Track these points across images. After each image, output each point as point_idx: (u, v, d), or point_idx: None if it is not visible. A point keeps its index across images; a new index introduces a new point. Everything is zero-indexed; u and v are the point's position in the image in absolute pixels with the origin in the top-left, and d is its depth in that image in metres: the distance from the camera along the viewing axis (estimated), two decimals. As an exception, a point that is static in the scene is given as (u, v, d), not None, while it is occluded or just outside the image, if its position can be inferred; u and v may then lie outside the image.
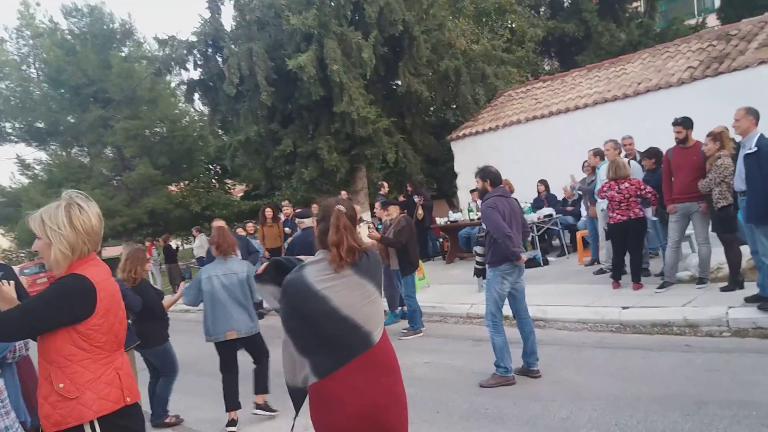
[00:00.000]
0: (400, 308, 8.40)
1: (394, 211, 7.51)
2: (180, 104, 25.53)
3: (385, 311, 2.60)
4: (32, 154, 36.74)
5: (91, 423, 2.35)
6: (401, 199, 13.63)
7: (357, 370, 2.47)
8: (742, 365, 4.84)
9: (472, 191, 12.47)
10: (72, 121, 24.32)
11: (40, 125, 24.70)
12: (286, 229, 11.97)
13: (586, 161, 9.52)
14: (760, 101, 6.84)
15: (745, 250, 6.49)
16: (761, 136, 5.78)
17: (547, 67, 22.07)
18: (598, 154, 8.91)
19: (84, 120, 23.12)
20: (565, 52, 21.29)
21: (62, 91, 23.66)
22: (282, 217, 12.72)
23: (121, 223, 22.54)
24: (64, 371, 2.31)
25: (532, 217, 10.81)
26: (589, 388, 4.92)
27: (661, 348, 5.61)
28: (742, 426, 3.80)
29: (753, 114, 5.82)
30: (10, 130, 25.00)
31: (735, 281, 6.61)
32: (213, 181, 27.24)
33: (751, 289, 6.06)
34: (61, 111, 23.87)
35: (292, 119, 15.38)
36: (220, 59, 15.29)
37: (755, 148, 5.69)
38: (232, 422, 5.26)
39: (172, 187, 25.74)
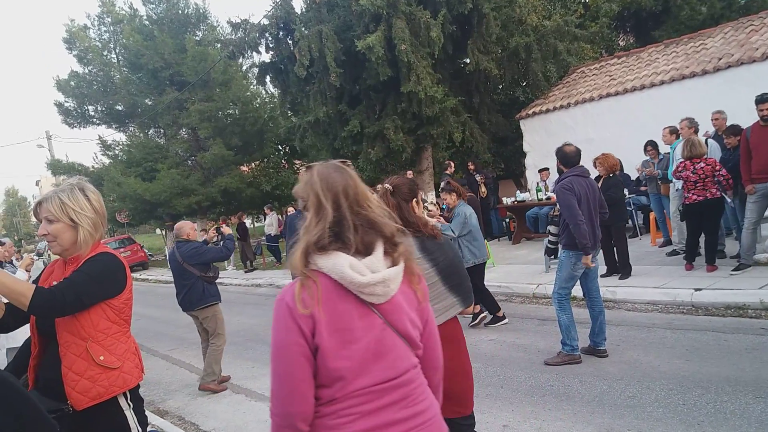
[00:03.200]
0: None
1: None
2: (252, 87, 26.21)
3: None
4: (113, 135, 38.70)
5: (124, 393, 2.48)
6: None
7: None
8: (822, 350, 4.67)
9: (540, 170, 12.32)
10: (149, 103, 25.44)
11: (120, 108, 25.98)
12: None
13: (648, 144, 9.28)
14: None
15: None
16: None
17: (622, 43, 21.26)
18: (674, 132, 8.62)
19: (161, 102, 24.11)
20: (642, 27, 20.43)
21: (140, 74, 24.73)
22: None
23: (195, 201, 23.52)
24: (102, 344, 2.41)
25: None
26: (657, 368, 4.87)
27: (734, 331, 5.46)
28: (819, 411, 3.70)
29: None
30: (92, 113, 26.43)
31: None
32: (282, 161, 27.87)
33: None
34: (139, 94, 24.99)
35: (359, 100, 15.55)
36: (290, 42, 15.58)
37: None
38: None
39: (244, 167, 26.54)
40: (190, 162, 25.98)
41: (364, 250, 1.66)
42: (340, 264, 1.60)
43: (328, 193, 1.68)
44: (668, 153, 8.85)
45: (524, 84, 17.33)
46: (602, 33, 18.63)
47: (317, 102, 15.65)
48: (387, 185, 2.74)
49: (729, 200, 7.42)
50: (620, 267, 7.90)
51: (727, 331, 5.48)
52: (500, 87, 17.69)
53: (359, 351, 1.60)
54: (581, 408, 4.36)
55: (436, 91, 13.71)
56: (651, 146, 9.56)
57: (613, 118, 12.71)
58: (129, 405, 2.50)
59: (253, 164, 27.14)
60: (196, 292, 6.13)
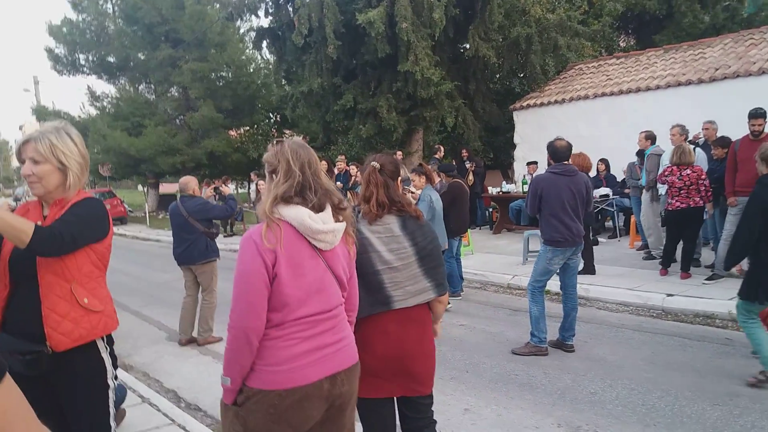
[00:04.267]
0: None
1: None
2: (247, 51, 25.86)
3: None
4: (102, 86, 38.05)
5: (102, 337, 2.49)
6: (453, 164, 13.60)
7: (389, 318, 2.60)
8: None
9: (529, 163, 12.33)
10: (142, 58, 25.00)
11: (112, 60, 25.51)
12: (338, 183, 12.14)
13: (638, 153, 9.37)
14: None
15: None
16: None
17: (622, 44, 21.26)
18: (650, 137, 8.71)
19: (154, 58, 23.72)
20: (643, 29, 20.43)
21: (135, 28, 24.27)
22: (335, 171, 12.89)
23: (180, 161, 23.28)
24: (86, 287, 2.42)
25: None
26: (621, 367, 4.93)
27: (700, 338, 5.54)
28: (774, 422, 3.77)
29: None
30: (83, 62, 25.92)
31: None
32: (272, 129, 27.65)
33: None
34: (132, 47, 24.54)
35: (355, 75, 15.42)
36: (291, 9, 15.37)
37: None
38: None
39: (232, 132, 26.29)
40: (178, 121, 25.69)
41: (318, 208, 2.12)
42: (301, 214, 2.06)
43: (296, 161, 2.12)
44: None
45: (521, 75, 17.31)
46: (604, 32, 18.59)
47: (312, 72, 15.50)
48: (375, 163, 2.71)
49: (706, 211, 7.50)
50: (584, 266, 7.93)
51: (694, 338, 5.56)
52: (497, 76, 17.63)
53: (306, 284, 2.06)
54: (543, 399, 4.40)
55: (433, 73, 13.64)
56: (602, 163, 9.78)
57: (605, 118, 12.74)
58: (106, 348, 2.50)
59: (242, 129, 26.88)
60: (199, 247, 6.17)
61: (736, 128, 7.40)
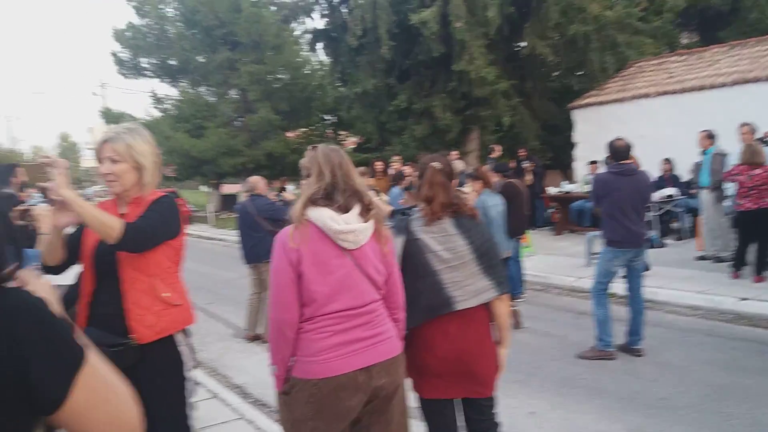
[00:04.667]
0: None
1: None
2: (302, 53, 26.20)
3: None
4: (164, 89, 39.30)
5: (182, 330, 2.60)
6: (511, 164, 13.44)
7: (449, 319, 2.62)
8: None
9: (590, 163, 12.07)
10: (202, 60, 25.63)
11: (173, 63, 26.24)
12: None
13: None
14: None
15: None
16: None
17: (685, 41, 20.55)
18: (711, 136, 8.43)
19: (213, 60, 24.30)
20: (707, 25, 19.69)
21: (195, 31, 24.90)
22: (392, 172, 12.94)
23: (241, 162, 23.79)
24: (165, 282, 2.51)
25: (652, 198, 10.37)
26: (693, 373, 4.80)
27: (777, 345, 5.33)
28: None
29: None
30: (146, 65, 26.78)
31: None
32: (327, 130, 27.93)
33: None
34: (192, 50, 25.19)
35: (409, 75, 15.44)
36: (345, 10, 15.51)
37: None
38: None
39: (289, 133, 26.69)
40: (237, 123, 26.25)
41: (345, 209, 2.24)
42: (323, 215, 2.20)
43: (327, 164, 2.29)
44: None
45: (580, 74, 16.93)
46: (665, 29, 18.01)
47: (366, 73, 15.59)
48: (436, 163, 2.74)
49: None
50: None
51: (769, 343, 5.36)
52: (554, 74, 17.31)
53: (332, 281, 2.20)
54: (611, 404, 4.33)
55: (489, 72, 13.51)
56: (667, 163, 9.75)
57: (668, 117, 12.34)
58: (184, 341, 2.61)
59: (298, 131, 27.27)
60: (265, 245, 6.25)
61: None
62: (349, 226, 2.21)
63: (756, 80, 11.15)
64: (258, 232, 6.30)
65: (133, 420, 1.02)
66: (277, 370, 2.28)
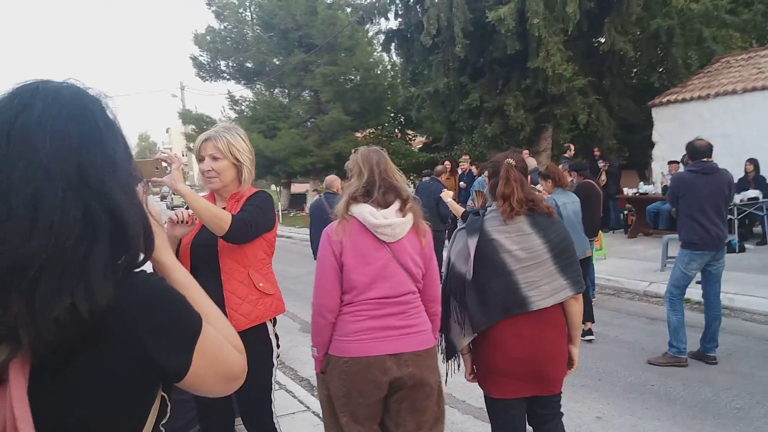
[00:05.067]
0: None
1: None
2: (375, 53, 26.45)
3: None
4: (240, 91, 40.59)
5: (272, 319, 2.71)
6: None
7: (523, 320, 2.57)
8: None
9: (670, 163, 11.57)
10: (277, 63, 26.38)
11: (250, 65, 27.12)
12: (461, 183, 12.15)
13: None
14: None
15: None
16: None
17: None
18: None
19: (288, 63, 24.95)
20: (803, 16, 18.42)
21: (272, 34, 25.65)
22: (459, 171, 12.89)
23: (311, 162, 24.31)
24: (260, 272, 2.62)
25: (734, 199, 9.82)
26: (773, 384, 4.54)
27: None
28: None
29: None
30: (224, 68, 27.79)
31: None
32: (396, 130, 28.08)
33: None
34: (268, 53, 25.95)
35: (482, 73, 15.30)
36: (420, 10, 15.53)
37: None
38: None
39: (358, 134, 27.02)
40: (309, 123, 26.79)
41: (384, 204, 2.43)
42: (363, 211, 2.40)
43: (366, 164, 2.49)
44: None
45: (661, 70, 16.25)
46: (756, 21, 16.99)
47: (439, 72, 15.57)
48: (510, 160, 2.73)
49: None
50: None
51: None
52: (634, 71, 16.69)
53: (371, 271, 2.38)
54: (682, 412, 4.16)
55: (566, 69, 13.19)
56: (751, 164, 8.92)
57: (756, 115, 11.64)
58: (274, 329, 2.74)
59: (367, 131, 27.56)
60: None
61: None
62: (387, 220, 2.39)
63: None
64: None
65: (239, 368, 1.11)
66: (317, 352, 2.49)
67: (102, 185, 0.92)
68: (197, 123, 26.87)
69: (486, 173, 3.04)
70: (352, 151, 2.60)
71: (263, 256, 2.67)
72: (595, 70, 15.10)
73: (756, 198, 10.00)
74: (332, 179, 6.70)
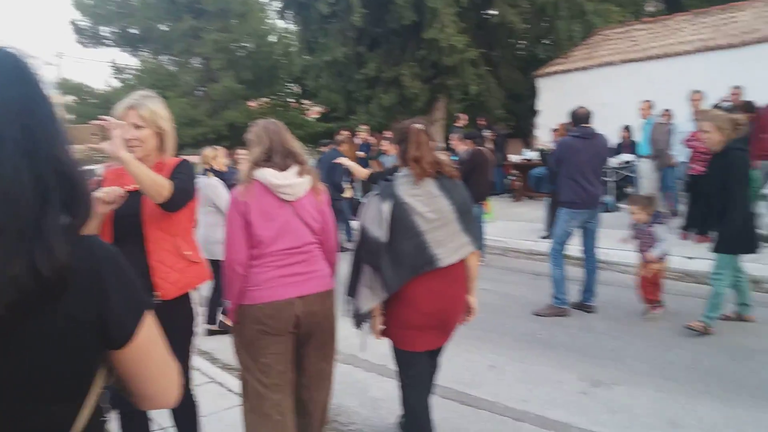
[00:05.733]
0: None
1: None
2: (268, 20, 25.73)
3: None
4: (125, 59, 38.20)
5: (195, 288, 2.74)
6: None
7: (432, 276, 2.75)
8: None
9: (554, 130, 12.23)
10: (164, 29, 24.94)
11: (134, 31, 25.47)
12: (361, 152, 12.24)
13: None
14: None
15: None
16: None
17: (651, 9, 20.76)
18: (652, 106, 8.78)
19: (176, 29, 23.72)
20: (673, -6, 19.92)
21: (158, -1, 24.22)
22: (358, 142, 12.97)
23: (201, 133, 23.33)
24: (186, 241, 2.64)
25: (610, 162, 10.58)
26: (641, 326, 5.07)
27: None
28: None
29: None
30: (106, 34, 25.98)
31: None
32: (291, 100, 27.58)
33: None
34: (155, 18, 24.50)
35: (379, 43, 15.35)
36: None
37: None
38: None
39: (252, 103, 26.30)
40: (199, 92, 25.74)
41: (284, 168, 2.68)
42: (266, 173, 2.64)
43: (265, 134, 2.74)
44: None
45: (547, 42, 17.04)
46: (632, -4, 18.20)
47: (336, 41, 15.44)
48: (419, 125, 2.87)
49: None
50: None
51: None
52: (523, 43, 17.38)
53: (275, 226, 2.63)
54: (565, 356, 4.54)
55: (459, 40, 13.51)
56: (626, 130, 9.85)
57: (631, 84, 12.54)
58: (196, 297, 2.77)
59: (262, 100, 26.87)
60: None
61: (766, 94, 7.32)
62: (288, 180, 2.65)
63: (718, 48, 11.41)
64: None
65: (175, 383, 1.15)
66: (231, 304, 2.68)
67: (50, 147, 0.93)
68: (77, 92, 25.05)
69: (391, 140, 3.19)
70: (250, 124, 2.83)
71: (188, 225, 2.69)
72: (485, 42, 15.59)
73: (629, 162, 10.84)
74: (207, 153, 6.47)
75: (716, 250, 4.63)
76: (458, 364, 4.28)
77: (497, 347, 4.82)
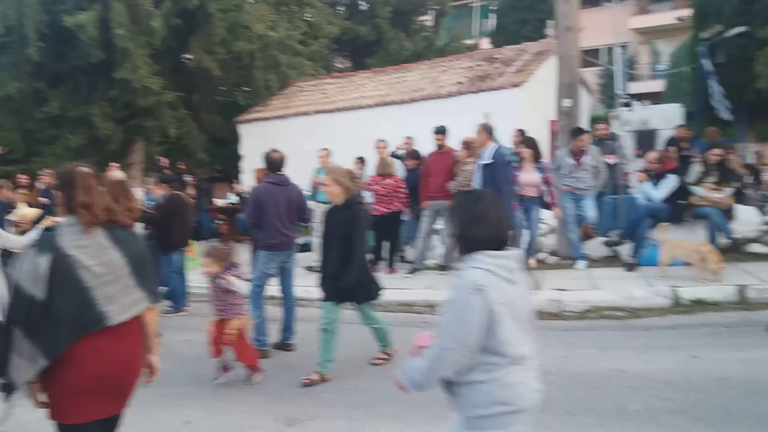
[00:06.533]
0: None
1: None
2: None
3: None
4: None
5: None
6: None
7: (101, 335, 2.50)
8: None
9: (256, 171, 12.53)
10: None
11: None
12: (44, 199, 10.96)
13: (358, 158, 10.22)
14: (510, 117, 8.05)
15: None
16: (498, 149, 6.80)
17: (340, 65, 22.83)
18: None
19: None
20: (358, 52, 22.27)
21: None
22: (42, 187, 11.60)
23: None
24: None
25: (311, 204, 11.20)
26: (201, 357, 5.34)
27: (402, 324, 6.27)
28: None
29: (488, 130, 6.85)
30: None
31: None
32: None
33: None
34: None
35: (63, 80, 14.04)
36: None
37: (491, 160, 6.70)
38: None
39: None
40: None
41: None
42: None
43: None
44: None
45: (246, 89, 17.49)
46: (322, 53, 19.76)
47: (10, 75, 13.68)
48: (85, 168, 2.65)
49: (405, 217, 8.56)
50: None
51: (397, 324, 6.21)
52: (222, 89, 17.57)
53: None
54: (263, 399, 4.63)
55: (153, 82, 13.07)
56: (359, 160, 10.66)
57: (325, 133, 13.50)
58: None
59: None
60: None
61: (431, 143, 8.56)
62: None
63: (392, 103, 13.01)
64: None
65: None
66: None
67: None
68: None
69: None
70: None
71: None
72: (184, 86, 15.36)
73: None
74: None
75: (329, 299, 4.95)
76: (151, 425, 4.05)
77: (195, 401, 4.69)
